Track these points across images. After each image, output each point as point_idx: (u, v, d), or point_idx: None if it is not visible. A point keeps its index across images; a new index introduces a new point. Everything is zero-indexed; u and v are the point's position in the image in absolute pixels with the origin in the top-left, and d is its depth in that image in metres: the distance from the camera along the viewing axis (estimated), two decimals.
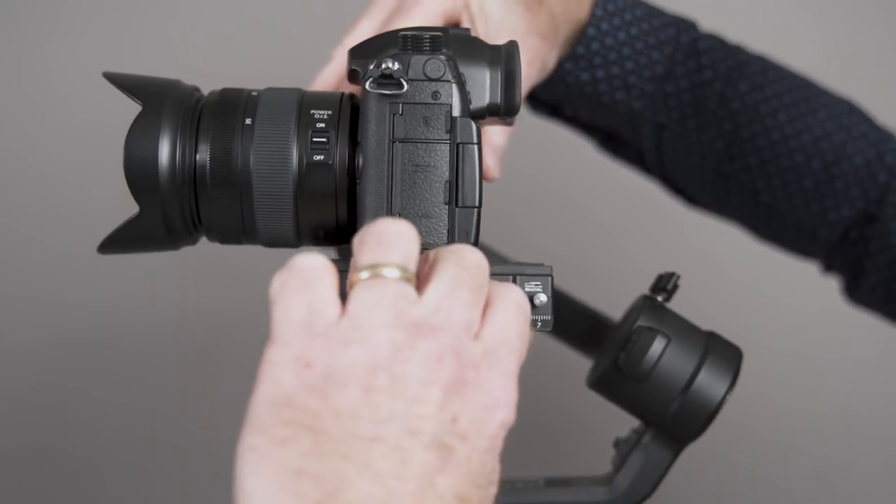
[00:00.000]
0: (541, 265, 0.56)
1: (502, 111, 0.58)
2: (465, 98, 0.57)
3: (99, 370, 1.20)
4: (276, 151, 0.58)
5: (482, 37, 0.67)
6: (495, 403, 0.45)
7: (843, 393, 1.30)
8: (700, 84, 0.77)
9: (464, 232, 0.57)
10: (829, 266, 0.80)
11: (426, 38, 0.57)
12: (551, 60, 0.72)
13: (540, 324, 0.55)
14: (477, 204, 0.57)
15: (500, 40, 0.64)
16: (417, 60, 0.57)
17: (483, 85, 0.58)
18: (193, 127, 0.60)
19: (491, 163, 0.68)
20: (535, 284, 0.55)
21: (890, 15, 1.22)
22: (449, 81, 0.57)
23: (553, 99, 0.79)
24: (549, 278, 0.55)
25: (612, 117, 0.78)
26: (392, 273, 0.45)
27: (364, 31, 0.70)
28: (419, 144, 0.57)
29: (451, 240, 0.57)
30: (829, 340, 1.30)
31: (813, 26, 1.23)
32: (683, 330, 0.63)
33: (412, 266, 0.46)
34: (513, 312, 0.47)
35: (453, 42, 0.58)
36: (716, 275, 1.26)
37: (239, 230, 0.60)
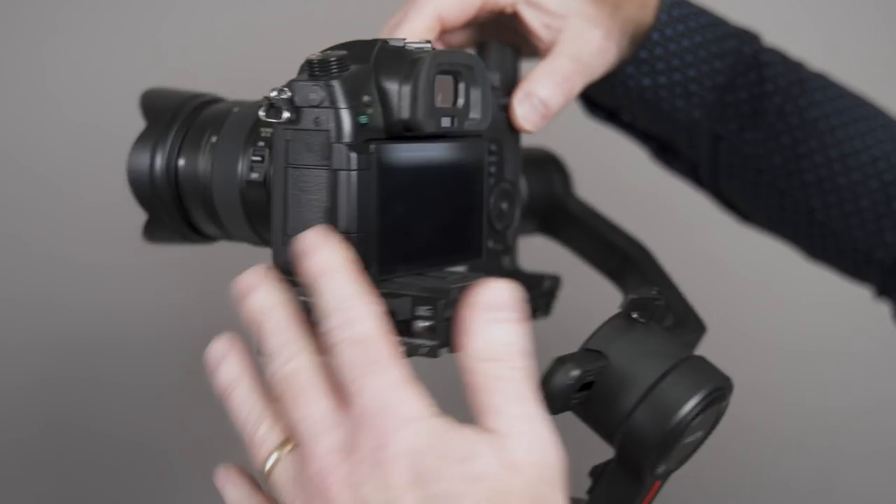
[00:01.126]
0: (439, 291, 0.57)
1: (410, 127, 0.58)
2: (353, 122, 0.57)
3: (98, 371, 1.20)
4: (227, 168, 0.63)
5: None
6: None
7: (846, 392, 1.30)
8: (760, 96, 0.76)
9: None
10: (883, 290, 0.79)
11: (332, 60, 0.58)
12: (611, 57, 0.72)
13: (424, 350, 0.57)
14: (354, 230, 0.57)
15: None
16: (302, 87, 0.58)
17: (396, 100, 0.58)
18: (178, 143, 0.65)
19: (520, 112, 0.69)
20: (427, 309, 0.57)
21: (890, 15, 1.22)
22: (328, 108, 0.57)
23: (611, 103, 0.78)
24: (441, 301, 0.57)
25: (670, 125, 0.77)
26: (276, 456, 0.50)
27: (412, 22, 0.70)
28: (302, 170, 0.58)
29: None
30: (831, 339, 1.30)
31: (812, 26, 1.23)
32: (641, 355, 0.59)
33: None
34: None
35: (382, 57, 0.59)
36: (718, 274, 1.26)
37: (221, 234, 0.65)
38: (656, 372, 0.58)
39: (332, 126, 0.58)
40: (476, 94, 0.61)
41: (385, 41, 0.60)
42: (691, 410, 0.57)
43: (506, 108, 0.70)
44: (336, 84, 0.58)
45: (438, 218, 0.62)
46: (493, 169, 0.68)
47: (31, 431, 1.21)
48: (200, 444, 1.14)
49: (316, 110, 0.58)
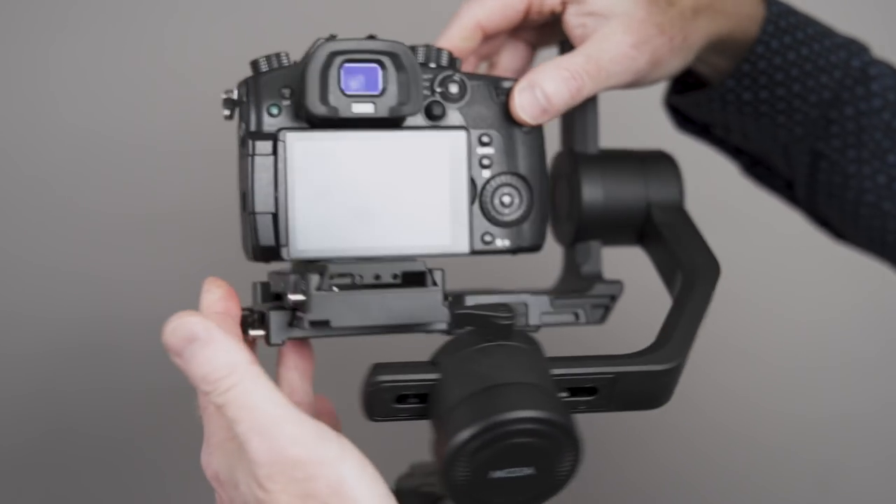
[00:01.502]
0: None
1: (312, 114, 0.62)
2: (261, 114, 0.64)
3: (98, 378, 1.20)
4: None
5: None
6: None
7: (842, 398, 1.30)
8: (867, 112, 0.73)
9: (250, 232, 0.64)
10: None
11: (262, 60, 0.65)
12: (671, 62, 0.68)
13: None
14: (262, 211, 0.63)
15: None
16: (237, 86, 0.65)
17: (301, 90, 0.63)
18: None
19: (519, 100, 0.66)
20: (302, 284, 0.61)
21: (890, 15, 1.22)
22: (245, 102, 0.64)
23: (706, 118, 0.76)
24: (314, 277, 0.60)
25: (767, 141, 0.74)
26: None
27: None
28: (239, 159, 0.65)
29: (244, 243, 0.65)
30: (827, 345, 1.30)
31: None
32: (459, 375, 0.56)
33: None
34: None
35: (312, 52, 0.63)
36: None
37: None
38: (457, 396, 0.55)
39: (246, 118, 0.64)
40: (402, 80, 0.63)
41: (332, 37, 0.63)
42: (468, 440, 0.53)
43: (505, 101, 0.68)
44: (251, 81, 0.65)
45: (381, 207, 0.65)
46: (487, 162, 0.67)
47: (30, 438, 1.20)
48: (199, 452, 1.13)
49: (240, 106, 0.65)
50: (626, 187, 0.71)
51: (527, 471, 0.55)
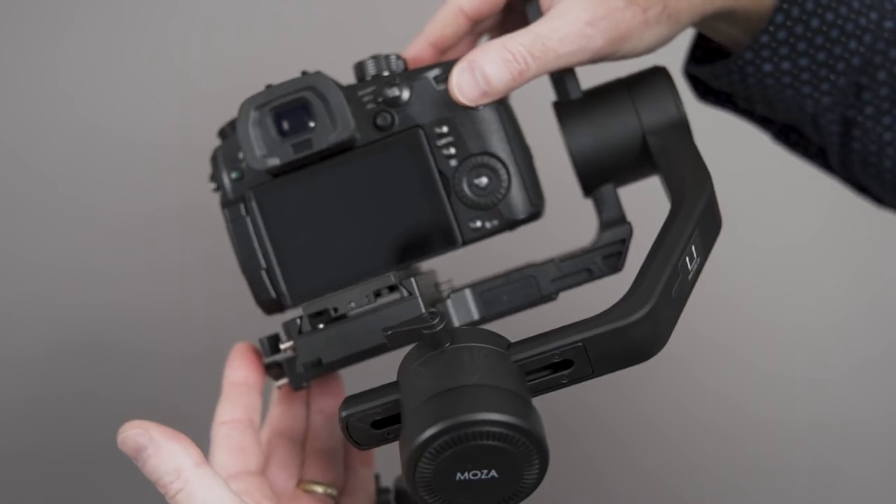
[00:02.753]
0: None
1: (254, 168, 0.66)
2: (229, 181, 0.69)
3: (98, 377, 1.20)
4: None
5: None
6: None
7: (843, 401, 1.30)
8: None
9: None
10: None
11: (226, 125, 0.69)
12: (646, 34, 0.65)
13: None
14: (251, 269, 0.67)
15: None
16: (212, 159, 0.70)
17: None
18: None
19: (456, 80, 0.64)
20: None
21: None
22: (215, 175, 0.70)
23: (726, 88, 0.72)
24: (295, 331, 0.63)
25: (794, 111, 0.71)
26: None
27: None
28: None
29: None
30: (828, 347, 1.30)
31: None
32: (414, 387, 0.55)
33: None
34: None
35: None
36: (715, 280, 1.25)
37: None
38: (408, 410, 0.54)
39: (220, 189, 0.68)
40: (330, 107, 0.64)
41: (268, 87, 0.65)
42: (429, 439, 0.52)
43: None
44: (217, 151, 0.68)
45: (361, 229, 0.66)
46: (451, 150, 0.67)
47: (29, 436, 1.20)
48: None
49: (215, 179, 0.68)
50: (613, 123, 0.67)
51: (491, 474, 0.53)
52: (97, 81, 1.20)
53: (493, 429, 0.51)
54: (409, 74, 0.67)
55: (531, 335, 0.57)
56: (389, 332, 0.55)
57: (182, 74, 1.20)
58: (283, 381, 0.67)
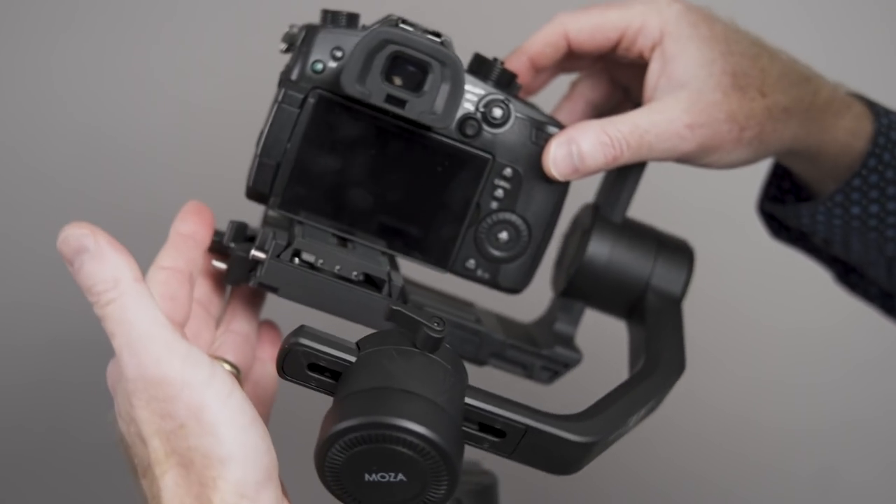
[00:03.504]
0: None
1: (340, 89, 0.63)
2: (303, 65, 0.64)
3: (97, 370, 1.20)
4: None
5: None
6: None
7: (844, 403, 1.30)
8: None
9: None
10: None
11: (341, 14, 0.65)
12: (734, 152, 0.65)
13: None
14: (258, 153, 0.65)
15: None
16: (303, 28, 0.66)
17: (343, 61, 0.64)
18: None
19: (552, 153, 0.65)
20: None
21: (890, 14, 1.22)
22: (294, 48, 0.66)
23: (807, 228, 0.72)
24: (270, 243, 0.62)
25: (872, 254, 0.71)
26: None
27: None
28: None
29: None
30: (828, 349, 1.30)
31: (813, 26, 1.23)
32: (371, 369, 0.55)
33: None
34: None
35: (376, 26, 0.63)
36: (715, 280, 1.25)
37: None
38: (362, 384, 0.55)
39: (292, 62, 0.64)
40: (444, 90, 0.62)
41: (402, 20, 0.62)
42: (348, 429, 0.53)
43: (542, 146, 0.66)
44: (311, 29, 0.64)
45: (379, 195, 0.65)
46: (500, 194, 0.67)
47: (29, 430, 1.20)
48: None
49: (293, 47, 0.64)
50: (631, 262, 0.70)
51: (399, 479, 0.54)
52: (97, 81, 1.20)
53: (412, 438, 0.53)
54: (522, 108, 0.66)
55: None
56: (395, 310, 0.56)
57: (182, 74, 1.20)
58: (221, 265, 0.65)
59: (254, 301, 0.68)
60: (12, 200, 1.20)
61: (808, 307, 1.28)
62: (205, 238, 0.65)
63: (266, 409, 0.67)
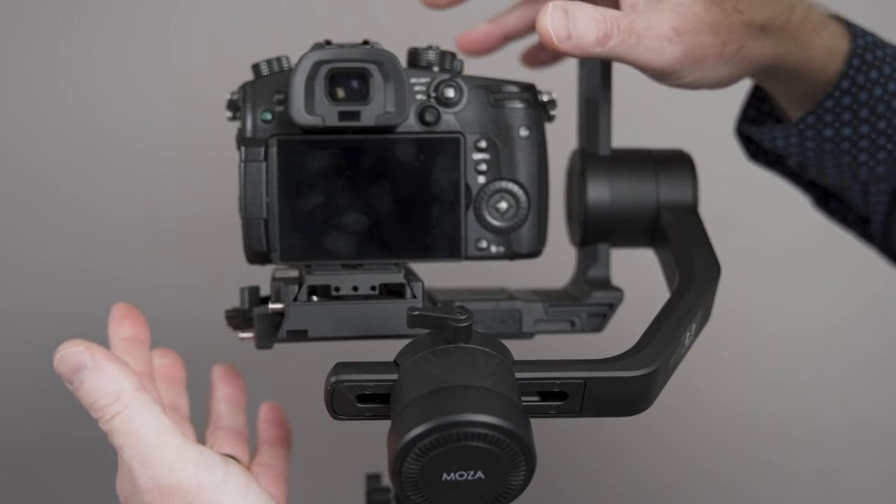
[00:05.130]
0: None
1: (295, 123, 0.63)
2: (253, 119, 0.65)
3: None
4: None
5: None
6: None
7: (844, 403, 1.30)
8: None
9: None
10: None
11: (264, 64, 0.66)
12: (717, 68, 0.65)
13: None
14: (245, 215, 0.64)
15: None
16: (240, 89, 0.66)
17: (288, 98, 0.63)
18: None
19: (550, 16, 0.61)
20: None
21: (890, 13, 1.22)
22: (241, 107, 0.66)
23: (782, 151, 0.72)
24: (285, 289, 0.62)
25: (846, 178, 0.71)
26: None
27: None
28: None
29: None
30: (828, 350, 1.30)
31: None
32: (417, 376, 0.55)
33: None
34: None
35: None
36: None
37: None
38: (409, 397, 0.54)
39: (242, 123, 0.65)
40: (390, 89, 0.63)
41: (326, 43, 0.63)
42: (416, 438, 0.52)
43: (503, 106, 0.67)
44: (248, 86, 0.65)
45: (372, 212, 0.65)
46: (483, 167, 0.67)
47: (29, 435, 1.20)
48: None
49: (238, 109, 0.66)
50: (634, 188, 0.69)
51: (477, 476, 0.54)
52: (98, 81, 1.21)
53: (482, 430, 0.52)
54: (471, 80, 0.67)
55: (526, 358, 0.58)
56: (416, 314, 0.56)
57: (182, 74, 1.20)
58: (248, 335, 0.65)
59: (234, 396, 0.69)
60: (11, 201, 1.20)
61: (810, 307, 1.28)
62: (146, 338, 0.66)
63: (284, 487, 0.67)
